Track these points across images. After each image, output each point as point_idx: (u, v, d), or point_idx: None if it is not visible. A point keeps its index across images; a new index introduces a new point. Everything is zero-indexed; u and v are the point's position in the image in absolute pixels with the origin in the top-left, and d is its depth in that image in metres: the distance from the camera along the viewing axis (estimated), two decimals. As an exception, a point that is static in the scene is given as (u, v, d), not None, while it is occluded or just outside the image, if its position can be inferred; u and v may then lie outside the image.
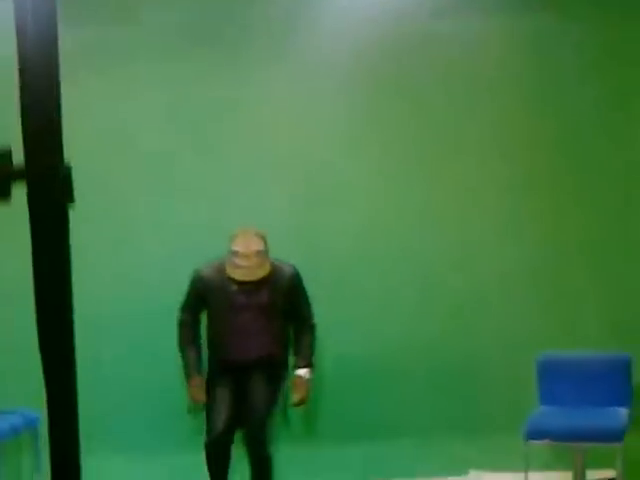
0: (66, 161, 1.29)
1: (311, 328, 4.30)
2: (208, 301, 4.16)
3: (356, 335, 4.85)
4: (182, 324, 4.23)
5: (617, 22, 4.80)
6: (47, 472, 4.22)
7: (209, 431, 4.07)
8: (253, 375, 4.13)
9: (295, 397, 4.13)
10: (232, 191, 4.87)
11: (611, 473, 4.49)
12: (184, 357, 4.19)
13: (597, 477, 4.45)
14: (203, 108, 4.86)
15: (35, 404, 4.31)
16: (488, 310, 4.90)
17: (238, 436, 4.23)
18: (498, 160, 4.93)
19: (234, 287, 4.06)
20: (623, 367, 4.29)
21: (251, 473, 4.11)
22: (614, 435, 3.91)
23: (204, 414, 4.18)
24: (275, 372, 4.21)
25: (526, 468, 3.95)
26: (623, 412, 4.14)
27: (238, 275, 3.98)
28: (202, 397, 4.10)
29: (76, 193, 1.33)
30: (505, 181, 4.93)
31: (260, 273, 4.00)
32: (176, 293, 4.37)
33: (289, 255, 4.35)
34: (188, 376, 4.15)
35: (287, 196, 4.91)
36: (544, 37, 4.88)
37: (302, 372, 4.16)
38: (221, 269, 4.07)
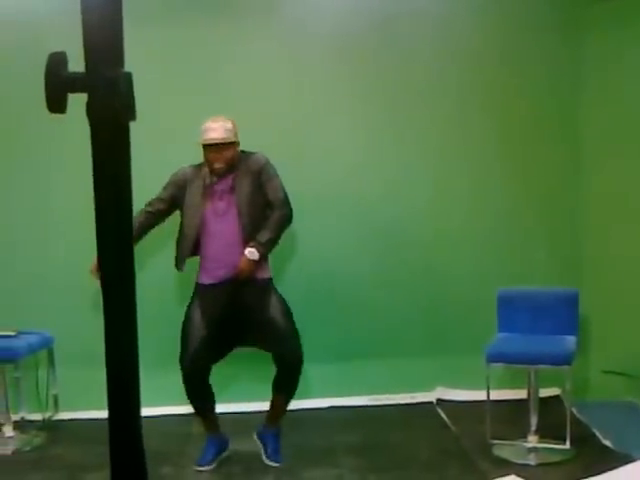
0: (127, 74, 1.16)
1: (280, 213, 4.12)
2: (184, 191, 4.17)
3: (343, 269, 5.14)
4: (146, 204, 4.24)
5: None
6: (59, 386, 4.80)
7: (183, 359, 4.05)
8: (245, 297, 4.08)
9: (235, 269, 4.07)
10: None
11: (557, 391, 4.99)
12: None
13: (546, 394, 4.75)
14: (203, 64, 5.05)
15: (51, 327, 4.81)
16: (457, 251, 5.24)
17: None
18: (471, 113, 5.16)
19: (208, 179, 4.11)
20: (572, 300, 4.51)
21: (278, 375, 4.14)
22: (564, 359, 4.11)
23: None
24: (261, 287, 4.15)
25: (487, 387, 4.17)
26: (571, 339, 4.35)
27: (208, 139, 4.03)
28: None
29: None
30: (478, 135, 5.17)
31: (228, 136, 4.04)
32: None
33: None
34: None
35: (275, 143, 5.00)
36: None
37: (246, 251, 4.05)
38: (200, 167, 4.17)
